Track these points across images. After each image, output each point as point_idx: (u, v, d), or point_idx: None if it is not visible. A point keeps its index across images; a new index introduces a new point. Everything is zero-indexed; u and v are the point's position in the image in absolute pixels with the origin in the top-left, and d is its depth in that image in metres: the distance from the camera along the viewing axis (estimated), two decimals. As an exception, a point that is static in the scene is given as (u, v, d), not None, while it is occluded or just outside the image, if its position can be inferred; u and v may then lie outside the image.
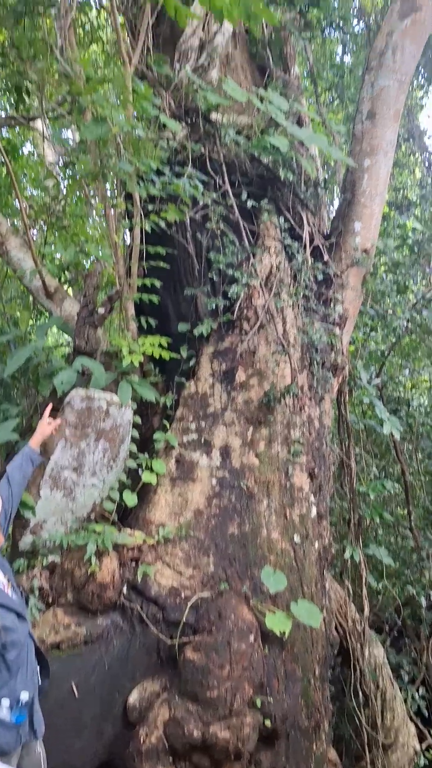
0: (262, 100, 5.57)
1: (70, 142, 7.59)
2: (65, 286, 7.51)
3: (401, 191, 9.40)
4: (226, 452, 5.17)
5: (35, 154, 10.38)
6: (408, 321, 6.93)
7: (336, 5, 6.60)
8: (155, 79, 5.75)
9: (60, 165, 9.34)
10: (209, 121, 5.70)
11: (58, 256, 6.59)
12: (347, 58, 8.31)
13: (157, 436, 5.19)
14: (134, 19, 6.08)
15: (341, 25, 6.97)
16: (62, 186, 8.05)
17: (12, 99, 6.40)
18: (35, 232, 8.17)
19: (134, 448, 4.95)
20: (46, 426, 4.10)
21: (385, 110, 5.91)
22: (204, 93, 5.37)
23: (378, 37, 5.98)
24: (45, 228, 7.51)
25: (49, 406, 4.26)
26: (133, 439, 4.92)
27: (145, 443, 5.30)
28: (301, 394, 5.64)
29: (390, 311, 7.01)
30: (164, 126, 5.35)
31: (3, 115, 7.75)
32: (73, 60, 5.09)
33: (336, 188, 7.88)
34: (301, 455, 5.37)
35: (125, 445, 4.88)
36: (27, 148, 10.79)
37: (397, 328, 6.98)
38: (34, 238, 8.16)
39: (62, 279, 7.36)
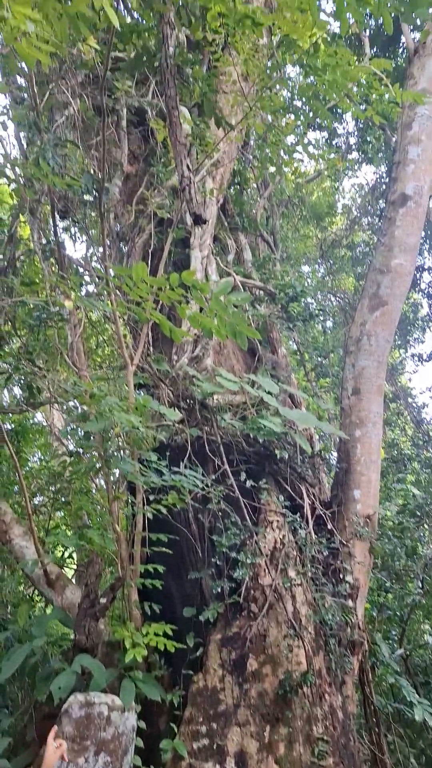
0: (253, 384, 6.06)
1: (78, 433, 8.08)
2: (68, 563, 7.41)
3: (395, 447, 9.78)
4: (242, 760, 4.62)
5: (44, 423, 11.03)
6: (422, 581, 6.70)
7: (313, 302, 7.52)
8: (155, 373, 6.31)
9: (68, 430, 9.85)
10: (205, 407, 6.13)
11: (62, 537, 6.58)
12: (327, 340, 9.31)
13: (164, 744, 4.67)
14: (136, 324, 6.86)
15: (320, 315, 7.92)
16: (68, 460, 8.39)
17: (23, 394, 6.97)
18: (38, 504, 8.32)
19: (138, 761, 4.42)
20: (52, 754, 3.67)
21: (368, 386, 6.39)
22: (200, 384, 5.86)
23: (353, 326, 6.71)
24: (49, 508, 7.63)
25: (54, 730, 3.87)
26: (137, 749, 4.41)
27: (150, 750, 4.75)
28: (319, 681, 5.20)
29: (402, 571, 6.82)
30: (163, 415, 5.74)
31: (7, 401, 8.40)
32: (81, 367, 5.63)
33: (332, 452, 8.18)
34: (326, 756, 4.78)
35: (128, 757, 4.35)
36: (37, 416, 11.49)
37: (412, 590, 6.72)
38: (38, 515, 8.28)
39: (64, 555, 7.30)
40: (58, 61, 4.76)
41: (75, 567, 8.08)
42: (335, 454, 7.48)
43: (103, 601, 4.95)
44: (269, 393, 5.92)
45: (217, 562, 5.35)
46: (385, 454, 9.80)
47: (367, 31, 10.48)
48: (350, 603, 5.86)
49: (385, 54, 10.75)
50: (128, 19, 7.15)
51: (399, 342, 11.31)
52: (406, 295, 6.86)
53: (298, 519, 5.82)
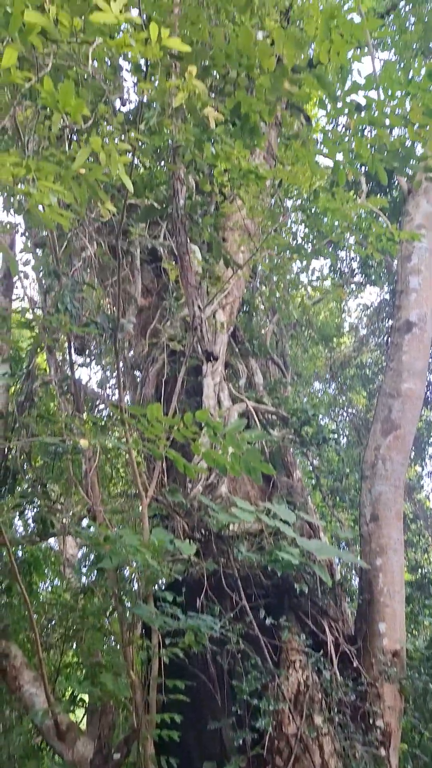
0: (269, 513, 5.98)
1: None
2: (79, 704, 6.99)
3: (418, 571, 9.44)
4: None
5: (56, 549, 10.79)
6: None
7: (326, 420, 7.56)
8: (169, 504, 6.26)
9: (80, 563, 9.62)
10: (221, 538, 6.02)
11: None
12: (342, 465, 9.31)
13: None
14: (150, 454, 6.89)
15: (333, 437, 7.96)
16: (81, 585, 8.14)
17: (36, 526, 6.91)
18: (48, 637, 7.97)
19: None
20: None
21: (387, 512, 6.28)
22: (215, 514, 5.79)
23: (367, 451, 6.71)
24: (61, 645, 7.33)
25: None
26: None
27: None
28: None
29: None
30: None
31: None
32: (95, 499, 5.62)
33: (353, 579, 7.91)
34: None
35: None
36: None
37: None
38: (49, 652, 7.92)
39: (76, 698, 6.90)
40: (76, 216, 5.15)
41: (85, 708, 7.61)
42: (356, 580, 7.24)
43: (116, 756, 4.65)
44: (286, 522, 5.84)
45: (238, 711, 5.04)
46: (409, 576, 9.44)
47: (363, 167, 11.29)
48: (382, 752, 5.44)
49: (381, 188, 11.48)
50: (141, 170, 7.75)
51: (415, 460, 11.22)
52: (418, 418, 6.91)
53: (322, 658, 5.53)
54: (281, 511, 6.06)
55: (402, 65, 12.41)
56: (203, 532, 6.21)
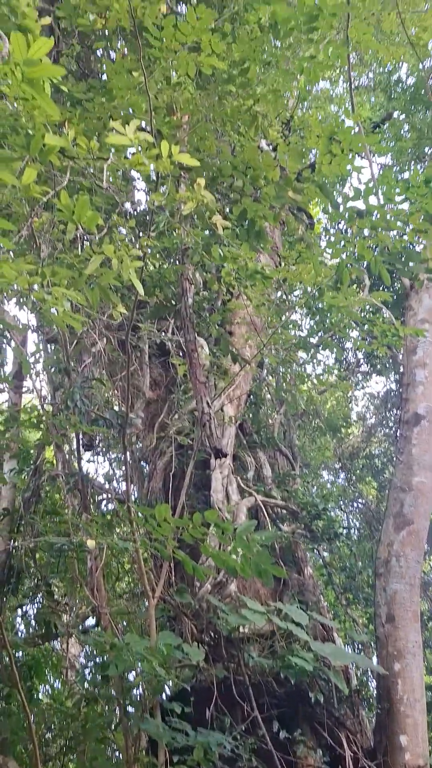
0: (280, 613, 5.76)
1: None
2: None
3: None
4: None
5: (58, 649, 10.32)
6: None
7: (334, 517, 7.41)
8: (177, 605, 6.06)
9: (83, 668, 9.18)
10: (231, 641, 5.78)
11: None
12: (353, 557, 9.05)
13: None
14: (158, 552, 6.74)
15: (344, 533, 7.77)
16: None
17: (39, 628, 6.67)
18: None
19: None
20: None
21: (403, 613, 6.04)
22: (225, 616, 5.58)
23: (380, 547, 6.54)
24: (61, 759, 6.88)
25: None
26: None
27: None
28: None
29: None
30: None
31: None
32: (101, 600, 5.45)
33: (370, 684, 7.51)
34: None
35: None
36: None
37: None
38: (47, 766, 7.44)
39: None
40: (87, 317, 5.29)
41: None
42: (374, 684, 6.86)
43: None
44: (298, 624, 5.61)
45: None
46: (429, 679, 8.93)
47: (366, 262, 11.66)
48: None
49: (383, 282, 11.78)
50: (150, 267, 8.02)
51: (429, 554, 10.89)
52: (430, 513, 6.77)
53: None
54: (293, 611, 5.84)
55: (398, 169, 13.10)
56: (212, 634, 5.97)
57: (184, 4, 8.07)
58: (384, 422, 13.16)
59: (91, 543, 4.49)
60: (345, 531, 8.01)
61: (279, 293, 8.59)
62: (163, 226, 5.67)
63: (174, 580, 6.50)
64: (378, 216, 4.64)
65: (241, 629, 5.99)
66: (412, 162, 12.71)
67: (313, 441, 12.84)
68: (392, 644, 6.02)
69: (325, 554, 9.63)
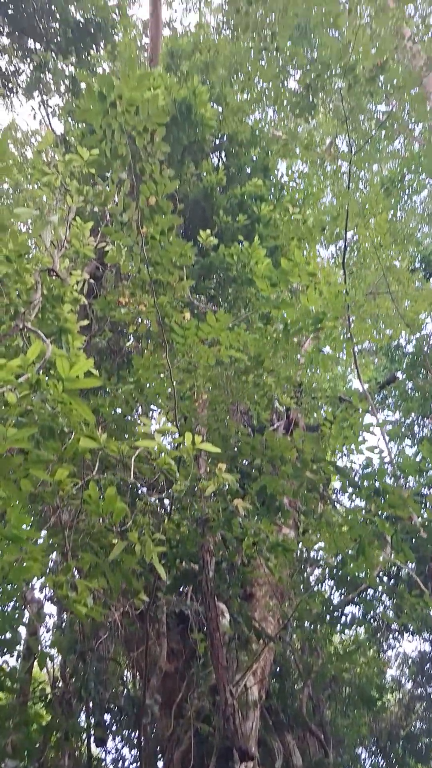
0: None
1: None
2: None
3: None
4: None
5: None
6: None
7: None
8: None
9: None
10: None
11: None
12: None
13: None
14: None
15: None
16: None
17: None
18: None
19: None
20: None
21: None
22: None
23: None
24: None
25: None
26: None
27: None
28: None
29: None
30: None
31: None
32: None
33: None
34: None
35: None
36: None
37: None
38: None
39: None
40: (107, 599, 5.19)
41: None
42: None
43: None
44: None
45: None
46: None
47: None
48: None
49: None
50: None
51: None
52: None
53: None
54: None
55: (407, 425, 13.73)
56: None
57: (202, 298, 9.27)
58: (422, 692, 11.98)
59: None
60: None
61: (299, 553, 8.46)
62: (186, 505, 5.83)
63: None
64: (394, 494, 4.77)
65: None
66: (420, 419, 13.35)
67: (346, 715, 11.52)
68: None
69: None
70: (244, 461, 5.50)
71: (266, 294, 5.82)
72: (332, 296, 5.71)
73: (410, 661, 13.23)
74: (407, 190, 14.68)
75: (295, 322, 5.47)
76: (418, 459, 6.78)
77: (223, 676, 5.18)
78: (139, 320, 6.05)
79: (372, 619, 12.81)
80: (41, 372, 3.68)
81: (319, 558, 7.89)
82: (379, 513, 4.85)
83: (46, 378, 3.67)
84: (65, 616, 6.92)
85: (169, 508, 4.61)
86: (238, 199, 10.81)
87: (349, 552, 6.21)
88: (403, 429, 13.24)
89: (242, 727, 5.37)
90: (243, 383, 6.47)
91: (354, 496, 5.10)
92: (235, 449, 5.40)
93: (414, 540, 5.46)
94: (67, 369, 3.51)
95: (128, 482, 4.54)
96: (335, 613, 9.53)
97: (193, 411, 5.78)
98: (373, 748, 11.41)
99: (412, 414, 12.78)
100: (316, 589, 7.37)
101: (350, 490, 4.96)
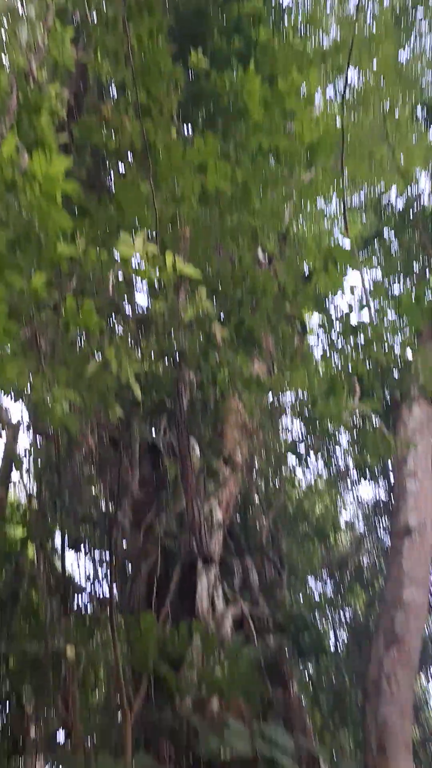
0: (264, 737, 5.44)
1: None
2: None
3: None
4: None
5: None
6: None
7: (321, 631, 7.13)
8: (155, 722, 5.70)
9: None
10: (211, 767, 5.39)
11: None
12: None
13: None
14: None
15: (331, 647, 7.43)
16: None
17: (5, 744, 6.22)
18: None
19: None
20: None
21: (394, 743, 5.67)
22: (206, 739, 5.24)
23: (370, 666, 6.26)
24: None
25: None
26: None
27: None
28: None
29: None
30: None
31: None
32: (74, 711, 5.14)
33: None
34: None
35: None
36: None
37: None
38: None
39: None
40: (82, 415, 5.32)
41: None
42: None
43: None
44: (282, 750, 5.29)
45: None
46: None
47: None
48: None
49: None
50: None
51: (419, 671, 10.37)
52: (423, 629, 6.55)
53: None
54: (277, 734, 5.54)
55: (388, 285, 13.67)
56: (191, 757, 5.58)
57: (190, 128, 8.70)
58: (373, 532, 12.97)
59: (69, 651, 4.29)
60: (332, 647, 7.68)
61: (271, 398, 8.71)
62: (162, 330, 5.82)
63: (152, 695, 6.15)
64: (371, 332, 4.81)
65: (221, 753, 5.61)
66: (402, 278, 13.26)
67: (301, 547, 12.55)
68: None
69: (311, 673, 9.20)
70: (224, 297, 5.44)
71: (259, 119, 5.46)
72: (328, 127, 5.39)
73: (365, 505, 14.22)
74: (416, 26, 13.49)
75: (287, 150, 5.19)
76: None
77: (191, 496, 5.49)
78: (123, 139, 5.68)
79: (334, 465, 13.56)
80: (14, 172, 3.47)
81: (289, 405, 8.13)
82: (354, 353, 4.92)
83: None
84: (41, 439, 7.18)
85: (147, 326, 4.61)
86: (234, 21, 9.84)
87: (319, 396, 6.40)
88: (386, 287, 13.19)
89: (207, 540, 5.77)
90: (228, 223, 6.26)
91: (331, 334, 5.14)
92: (217, 282, 5.32)
93: (385, 384, 5.61)
94: (45, 167, 3.32)
95: (107, 300, 4.49)
96: (300, 456, 10.06)
97: (176, 242, 5.61)
98: (324, 578, 12.51)
99: (396, 269, 12.65)
100: (283, 431, 7.66)
101: (328, 327, 4.99)
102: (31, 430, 7.09)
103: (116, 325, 4.35)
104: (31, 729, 6.83)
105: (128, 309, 7.14)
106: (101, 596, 7.71)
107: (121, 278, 5.53)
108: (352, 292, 6.24)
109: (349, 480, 13.44)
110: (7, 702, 6.96)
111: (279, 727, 5.87)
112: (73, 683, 5.41)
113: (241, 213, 6.26)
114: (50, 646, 5.46)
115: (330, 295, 5.93)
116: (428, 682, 11.27)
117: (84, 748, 5.13)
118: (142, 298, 9.25)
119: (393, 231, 14.68)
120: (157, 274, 4.09)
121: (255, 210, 6.25)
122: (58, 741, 7.28)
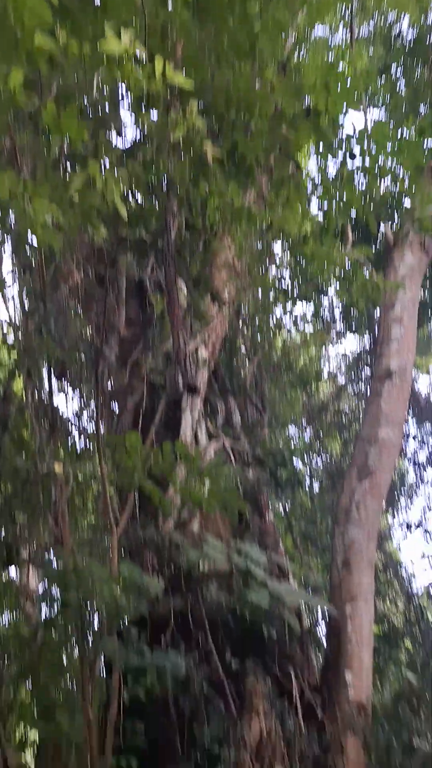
0: (240, 553, 5.89)
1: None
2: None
3: (387, 622, 9.33)
4: None
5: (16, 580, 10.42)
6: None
7: (300, 466, 7.52)
8: (139, 538, 6.13)
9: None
10: (191, 577, 5.89)
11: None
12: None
13: None
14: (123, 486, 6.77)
15: (307, 483, 7.91)
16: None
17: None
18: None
19: None
20: None
21: (359, 560, 6.21)
22: (186, 551, 5.68)
23: (342, 496, 6.68)
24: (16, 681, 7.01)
25: None
26: None
27: None
28: None
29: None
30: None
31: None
32: (65, 528, 5.48)
33: (321, 630, 7.78)
34: None
35: None
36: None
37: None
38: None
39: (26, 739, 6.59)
40: (66, 239, 5.13)
41: (36, 749, 7.26)
42: (324, 628, 7.09)
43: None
44: (256, 564, 5.74)
45: (198, 758, 4.84)
46: (376, 629, 9.31)
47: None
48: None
49: (366, 239, 11.73)
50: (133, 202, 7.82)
51: (387, 509, 11.21)
52: (394, 465, 6.92)
53: (287, 706, 5.38)
54: (252, 552, 5.98)
55: (392, 125, 12.88)
56: (173, 569, 6.07)
57: None
58: (355, 382, 13.30)
59: (58, 468, 4.48)
60: (308, 481, 8.15)
61: (261, 242, 8.50)
62: (150, 156, 5.49)
63: (138, 515, 6.56)
64: (369, 162, 4.57)
65: (200, 567, 6.11)
66: (407, 119, 12.50)
67: (284, 395, 12.93)
68: (346, 588, 6.21)
69: (288, 505, 9.81)
70: (217, 116, 5.07)
71: None
72: None
73: (347, 358, 14.49)
74: None
75: None
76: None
77: (177, 330, 5.50)
78: None
79: (321, 318, 13.60)
80: None
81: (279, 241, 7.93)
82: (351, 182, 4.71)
83: None
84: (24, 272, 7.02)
85: (134, 153, 4.34)
86: None
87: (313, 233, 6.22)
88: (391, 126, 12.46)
89: (192, 373, 5.87)
90: (225, 40, 5.69)
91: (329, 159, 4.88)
92: (210, 98, 4.93)
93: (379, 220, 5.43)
94: None
95: (92, 103, 4.18)
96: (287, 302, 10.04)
97: (166, 54, 5.13)
98: (303, 423, 13.01)
99: (401, 109, 11.87)
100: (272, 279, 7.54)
101: (325, 154, 4.73)
102: (14, 262, 6.91)
103: (102, 141, 4.07)
104: (23, 544, 7.34)
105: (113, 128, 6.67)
106: (89, 432, 7.96)
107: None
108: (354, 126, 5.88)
109: (334, 332, 13.56)
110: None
111: (254, 545, 6.34)
112: (62, 499, 5.72)
113: (239, 31, 5.69)
114: (40, 468, 5.70)
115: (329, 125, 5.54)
116: (394, 517, 12.23)
117: (74, 557, 5.51)
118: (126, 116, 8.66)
119: (401, 68, 13.62)
120: (145, 84, 3.78)
121: (254, 27, 5.69)
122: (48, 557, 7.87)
